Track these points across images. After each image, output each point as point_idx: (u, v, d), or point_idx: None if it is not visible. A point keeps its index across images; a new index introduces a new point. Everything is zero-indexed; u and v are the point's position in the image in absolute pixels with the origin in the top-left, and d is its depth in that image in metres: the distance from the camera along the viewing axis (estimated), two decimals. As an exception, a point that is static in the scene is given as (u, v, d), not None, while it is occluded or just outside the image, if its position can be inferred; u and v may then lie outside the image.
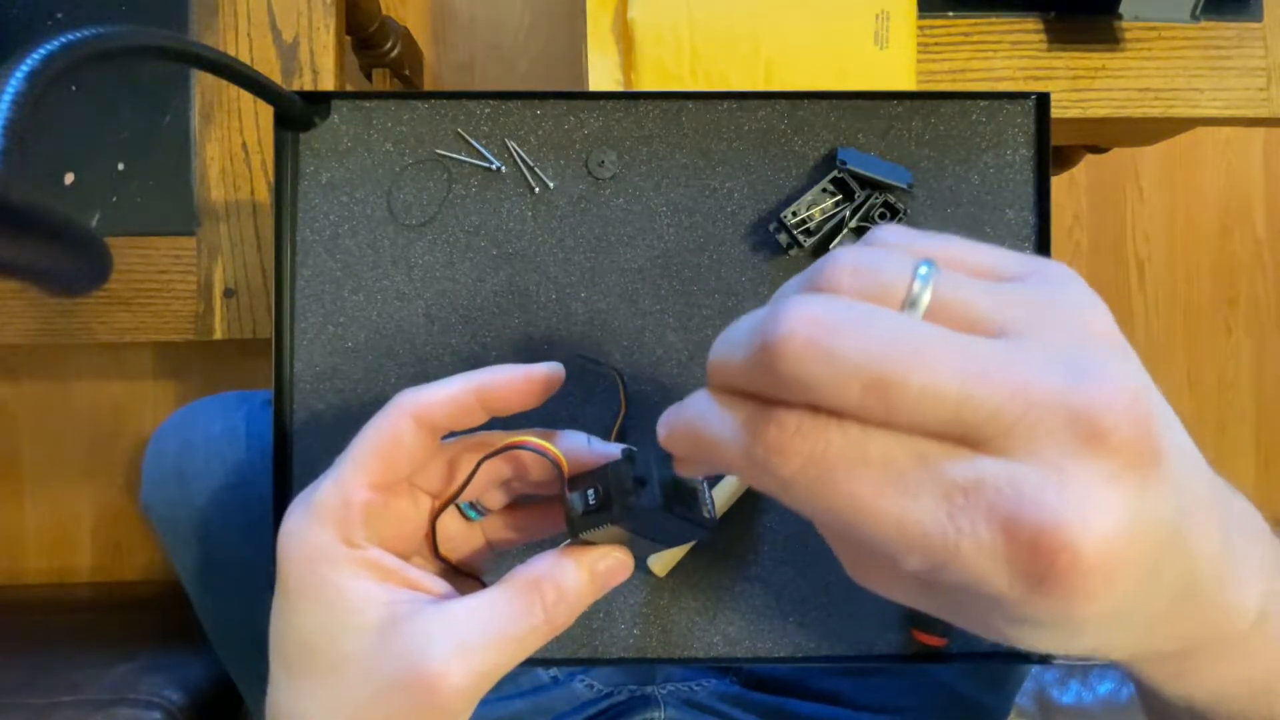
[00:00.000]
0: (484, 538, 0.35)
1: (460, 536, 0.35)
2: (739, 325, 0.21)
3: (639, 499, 0.28)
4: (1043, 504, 0.18)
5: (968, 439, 0.19)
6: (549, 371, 0.31)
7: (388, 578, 0.29)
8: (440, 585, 0.31)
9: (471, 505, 0.35)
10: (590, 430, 0.33)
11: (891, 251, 0.21)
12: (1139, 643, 0.22)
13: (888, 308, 0.20)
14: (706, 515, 0.30)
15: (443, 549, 0.34)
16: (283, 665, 0.29)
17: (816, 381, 0.19)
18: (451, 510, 0.34)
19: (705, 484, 0.30)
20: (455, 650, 0.27)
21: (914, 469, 0.19)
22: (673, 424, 0.24)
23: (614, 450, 0.31)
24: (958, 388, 0.18)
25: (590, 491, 0.29)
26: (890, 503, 0.19)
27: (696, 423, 0.22)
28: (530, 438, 0.31)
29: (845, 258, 0.21)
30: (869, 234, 0.23)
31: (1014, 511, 0.18)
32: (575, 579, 0.29)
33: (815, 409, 0.19)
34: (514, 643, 0.28)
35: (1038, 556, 0.18)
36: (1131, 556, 0.18)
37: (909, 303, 0.20)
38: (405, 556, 0.32)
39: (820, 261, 0.21)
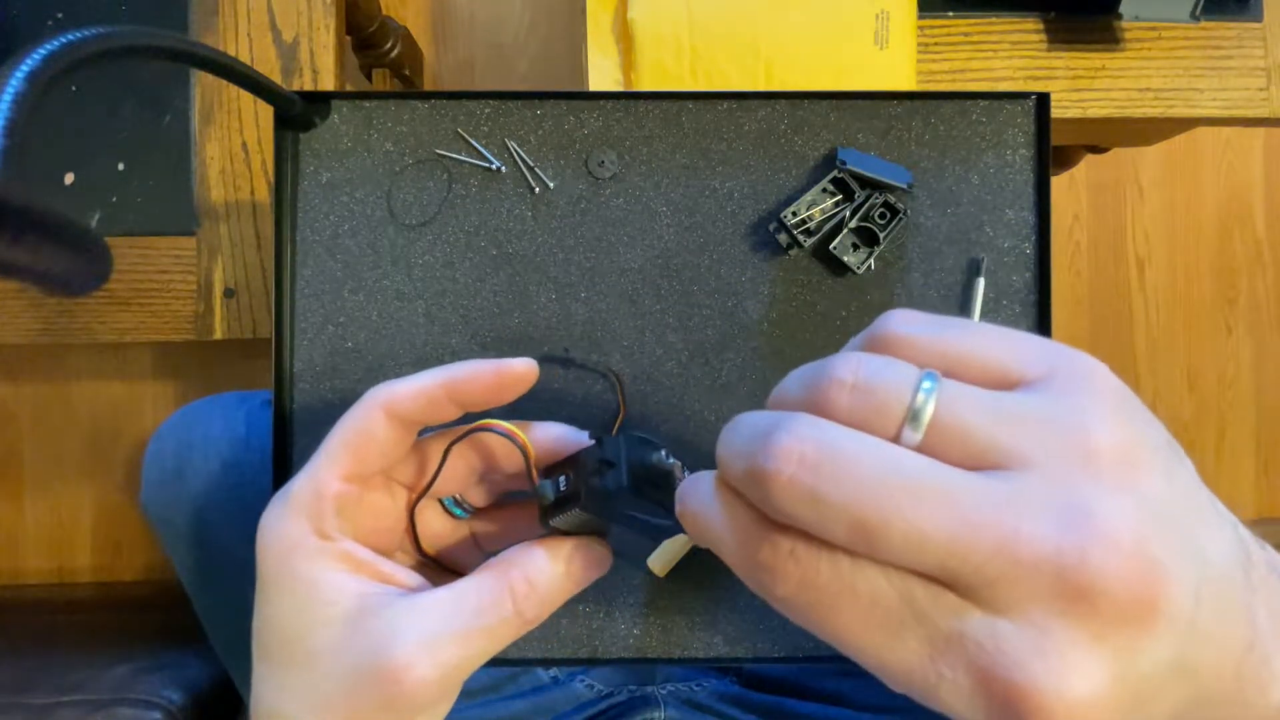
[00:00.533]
0: (471, 536, 0.35)
1: (446, 535, 0.34)
2: (742, 426, 0.21)
3: (603, 481, 0.27)
4: (1021, 665, 0.17)
5: (955, 586, 0.19)
6: (521, 367, 0.31)
7: (360, 570, 0.29)
8: (414, 579, 0.30)
9: (456, 503, 0.34)
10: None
11: (895, 361, 0.21)
12: None
13: (885, 430, 0.20)
14: None
15: (429, 547, 0.33)
16: (262, 656, 0.29)
17: (803, 520, 0.19)
18: (436, 508, 0.34)
19: (685, 469, 0.29)
20: (421, 642, 0.27)
21: (900, 608, 0.19)
22: (683, 499, 0.24)
23: (589, 438, 0.31)
24: (945, 537, 0.18)
25: (562, 479, 0.28)
26: (876, 637, 0.19)
27: (703, 513, 0.23)
28: (497, 421, 0.31)
29: (846, 371, 0.20)
30: (878, 322, 0.23)
31: (991, 669, 0.18)
32: (548, 570, 0.29)
33: (809, 535, 0.20)
34: (482, 635, 0.27)
35: (1007, 709, 0.18)
36: (1111, 713, 0.18)
37: (908, 421, 0.20)
38: (386, 551, 0.31)
39: (823, 366, 0.21)
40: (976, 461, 0.19)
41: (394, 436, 0.30)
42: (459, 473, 0.33)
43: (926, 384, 0.20)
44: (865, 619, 0.19)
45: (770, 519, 0.20)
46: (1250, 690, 0.21)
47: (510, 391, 0.31)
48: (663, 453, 0.29)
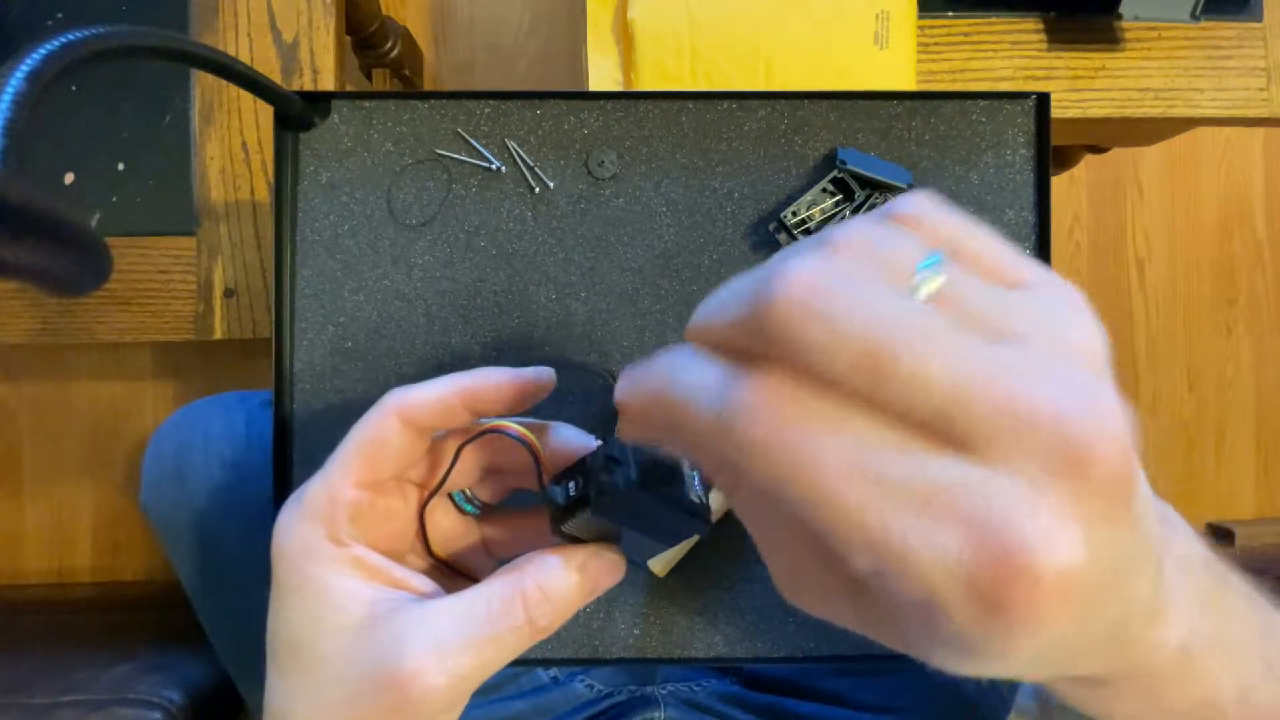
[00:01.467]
0: (480, 538, 0.35)
1: (457, 537, 0.34)
2: (730, 284, 0.20)
3: (611, 478, 0.26)
4: (1013, 521, 0.17)
5: (950, 438, 0.17)
6: (537, 377, 0.31)
7: (373, 576, 0.29)
8: (427, 584, 0.30)
9: (466, 499, 0.34)
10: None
11: (906, 231, 0.20)
12: (1055, 673, 0.22)
13: (893, 283, 0.19)
14: (696, 500, 0.28)
15: (440, 549, 0.33)
16: (273, 661, 0.29)
17: (807, 343, 0.17)
18: (446, 506, 0.34)
19: (694, 470, 0.28)
20: (430, 650, 0.26)
21: (887, 455, 0.17)
22: (636, 378, 0.22)
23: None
24: (950, 381, 0.17)
25: (572, 484, 0.28)
26: (855, 488, 0.17)
27: (665, 376, 0.21)
28: (508, 422, 0.31)
29: (858, 227, 0.20)
30: (893, 201, 0.22)
31: (984, 522, 0.17)
32: (562, 579, 0.28)
33: (797, 374, 0.18)
34: (493, 644, 0.27)
35: (998, 577, 0.17)
36: (1083, 592, 0.17)
37: (912, 288, 0.19)
38: (398, 554, 0.31)
39: (831, 228, 0.20)
40: (978, 333, 0.18)
41: (408, 443, 0.30)
42: (468, 469, 0.33)
43: (934, 261, 0.19)
44: (846, 466, 0.17)
45: (751, 362, 0.19)
46: (1155, 631, 0.22)
47: (526, 400, 0.31)
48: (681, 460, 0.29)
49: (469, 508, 0.34)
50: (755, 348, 0.19)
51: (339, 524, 0.29)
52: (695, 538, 0.30)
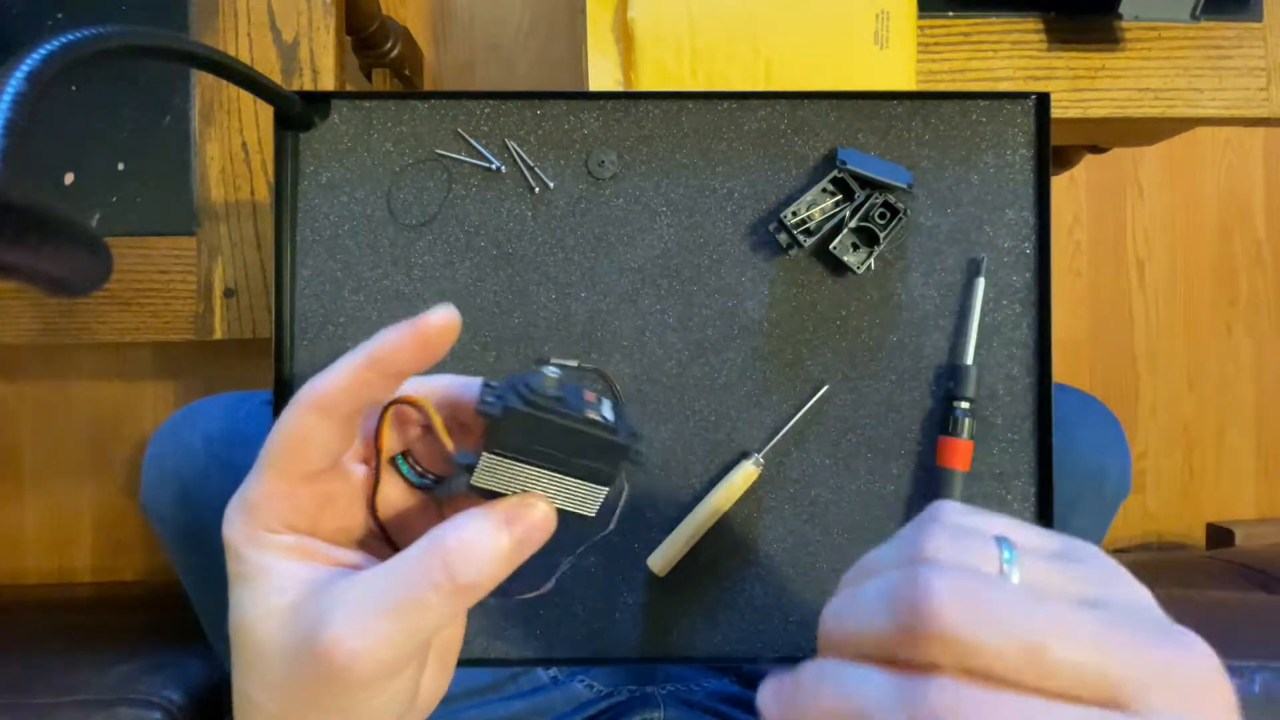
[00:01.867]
0: (440, 515, 0.34)
1: (413, 513, 0.33)
2: (858, 594, 0.22)
3: (494, 404, 0.26)
4: None
5: (1113, 700, 0.20)
6: (441, 319, 0.29)
7: (312, 557, 0.29)
8: (369, 561, 0.30)
9: (414, 471, 0.33)
10: None
11: (970, 529, 0.23)
12: None
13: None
14: (602, 419, 0.27)
15: (398, 527, 0.32)
16: (234, 649, 0.30)
17: (978, 643, 0.19)
18: (398, 480, 0.33)
19: (593, 394, 0.28)
20: (349, 617, 0.26)
21: None
22: (791, 696, 0.23)
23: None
24: (1097, 650, 0.20)
25: (479, 446, 0.28)
26: None
27: (832, 692, 0.22)
28: (404, 395, 0.30)
29: (938, 531, 0.22)
30: (930, 511, 0.24)
31: None
32: (484, 531, 0.27)
33: (972, 676, 0.20)
34: (414, 606, 0.26)
35: None
36: None
37: (1005, 576, 0.21)
38: (350, 533, 0.31)
39: (912, 532, 0.22)
40: (1079, 604, 0.21)
41: (333, 432, 0.29)
42: (396, 442, 0.32)
43: (1007, 546, 0.22)
44: None
45: (922, 669, 0.20)
46: None
47: (437, 346, 0.29)
48: (549, 369, 0.28)
49: (419, 480, 0.33)
50: (918, 656, 0.20)
51: (277, 517, 0.29)
52: (607, 492, 0.28)
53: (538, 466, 0.28)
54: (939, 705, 0.20)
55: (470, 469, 0.28)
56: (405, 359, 0.29)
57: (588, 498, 0.30)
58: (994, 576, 0.21)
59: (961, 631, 0.20)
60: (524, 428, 0.27)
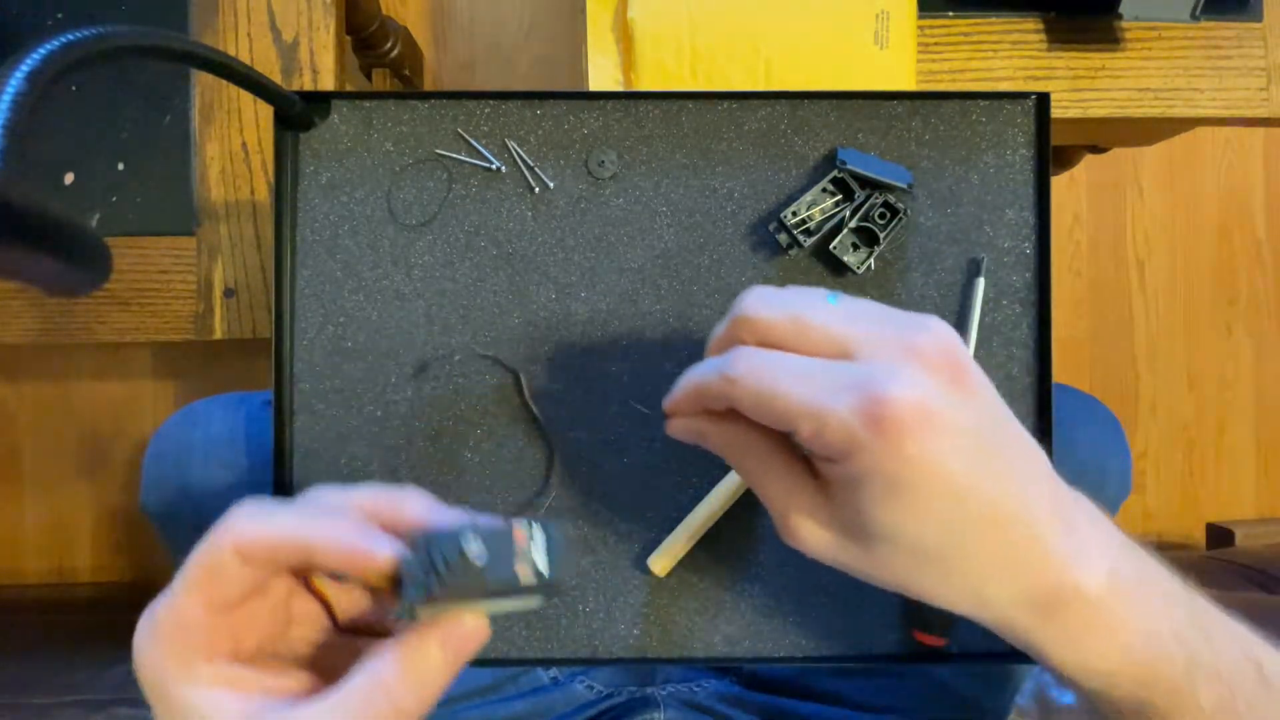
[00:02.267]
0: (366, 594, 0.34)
1: (347, 599, 0.33)
2: (717, 328, 0.34)
3: (418, 595, 0.27)
4: (880, 382, 0.28)
5: (846, 354, 0.30)
6: (381, 561, 0.28)
7: (242, 686, 0.28)
8: (301, 681, 0.30)
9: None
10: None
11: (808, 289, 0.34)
12: (983, 592, 0.31)
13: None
14: (532, 575, 0.28)
15: (346, 615, 0.32)
16: None
17: (761, 319, 0.32)
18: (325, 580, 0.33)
19: (526, 525, 0.28)
20: None
21: (814, 370, 0.30)
22: (675, 399, 0.35)
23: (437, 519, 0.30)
24: (843, 324, 0.31)
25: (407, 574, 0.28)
26: (798, 387, 0.30)
27: (689, 381, 0.34)
28: (318, 583, 0.30)
29: (773, 295, 0.33)
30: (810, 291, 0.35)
31: (865, 385, 0.29)
32: (423, 659, 0.28)
33: (760, 342, 0.32)
34: None
35: (875, 408, 0.28)
36: (940, 417, 0.28)
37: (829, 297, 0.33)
38: (273, 641, 0.31)
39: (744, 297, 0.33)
40: (854, 306, 0.32)
41: (250, 575, 0.29)
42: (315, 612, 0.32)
43: (832, 298, 0.32)
44: (792, 380, 0.30)
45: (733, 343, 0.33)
46: (1067, 556, 0.30)
47: (365, 575, 0.29)
48: (468, 530, 0.28)
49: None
50: (734, 339, 0.33)
51: (195, 646, 0.28)
52: (531, 599, 0.30)
53: (469, 603, 0.29)
54: (737, 360, 0.31)
55: (401, 608, 0.28)
56: (335, 565, 0.29)
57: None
58: (788, 289, 0.33)
59: (751, 312, 0.32)
60: (457, 588, 0.27)
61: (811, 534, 0.33)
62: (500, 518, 0.29)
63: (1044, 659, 0.33)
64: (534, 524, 0.29)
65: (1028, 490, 0.30)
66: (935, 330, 0.30)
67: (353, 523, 0.29)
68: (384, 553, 0.28)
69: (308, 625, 0.33)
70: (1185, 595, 0.33)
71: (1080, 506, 0.32)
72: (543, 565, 0.28)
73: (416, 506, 0.31)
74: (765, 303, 0.32)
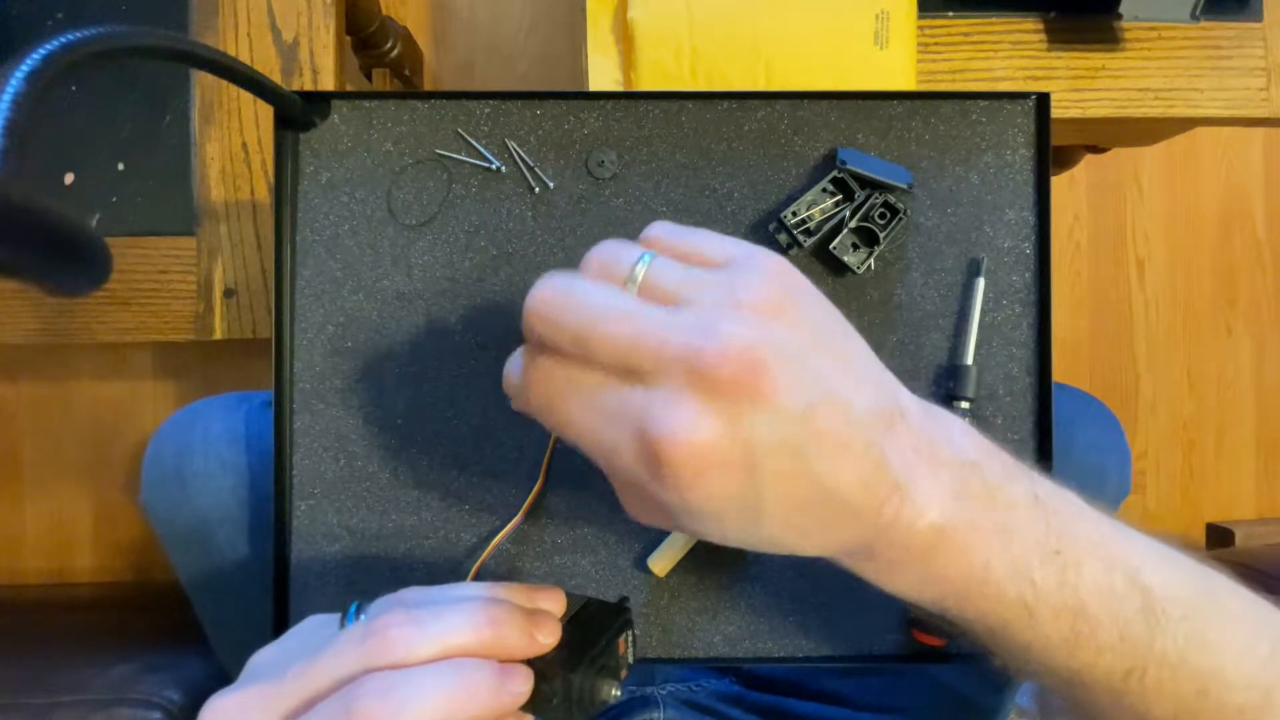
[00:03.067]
0: None
1: None
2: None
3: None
4: (658, 418, 0.26)
5: (633, 376, 0.27)
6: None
7: None
8: None
9: None
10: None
11: (634, 245, 0.31)
12: (790, 534, 0.29)
13: (614, 284, 0.29)
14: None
15: None
16: None
17: (544, 334, 0.29)
18: None
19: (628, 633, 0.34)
20: None
21: (602, 395, 0.28)
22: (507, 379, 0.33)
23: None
24: (627, 342, 0.27)
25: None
26: (589, 419, 0.28)
27: (508, 368, 0.32)
28: None
29: (600, 248, 0.31)
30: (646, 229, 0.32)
31: (641, 422, 0.26)
32: None
33: (547, 353, 0.29)
34: None
35: (650, 452, 0.26)
36: (718, 458, 0.26)
37: (629, 280, 0.29)
38: None
39: (590, 251, 0.30)
40: (662, 302, 0.28)
41: None
42: None
43: (646, 258, 0.29)
44: (582, 406, 0.28)
45: (534, 350, 0.30)
46: (890, 517, 0.28)
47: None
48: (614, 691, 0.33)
49: None
50: (530, 338, 0.30)
51: None
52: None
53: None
54: (525, 362, 0.30)
55: None
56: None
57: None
58: (585, 284, 0.29)
59: (532, 325, 0.29)
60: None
61: (639, 513, 0.32)
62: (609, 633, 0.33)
63: (867, 577, 0.32)
64: (629, 633, 0.34)
65: (840, 469, 0.27)
66: (731, 339, 0.26)
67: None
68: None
69: None
70: (1042, 527, 0.31)
71: (904, 438, 0.29)
72: (633, 657, 0.34)
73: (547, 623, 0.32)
74: (549, 307, 0.29)
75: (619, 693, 0.32)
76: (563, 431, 0.29)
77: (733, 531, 0.29)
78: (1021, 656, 0.32)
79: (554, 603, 0.34)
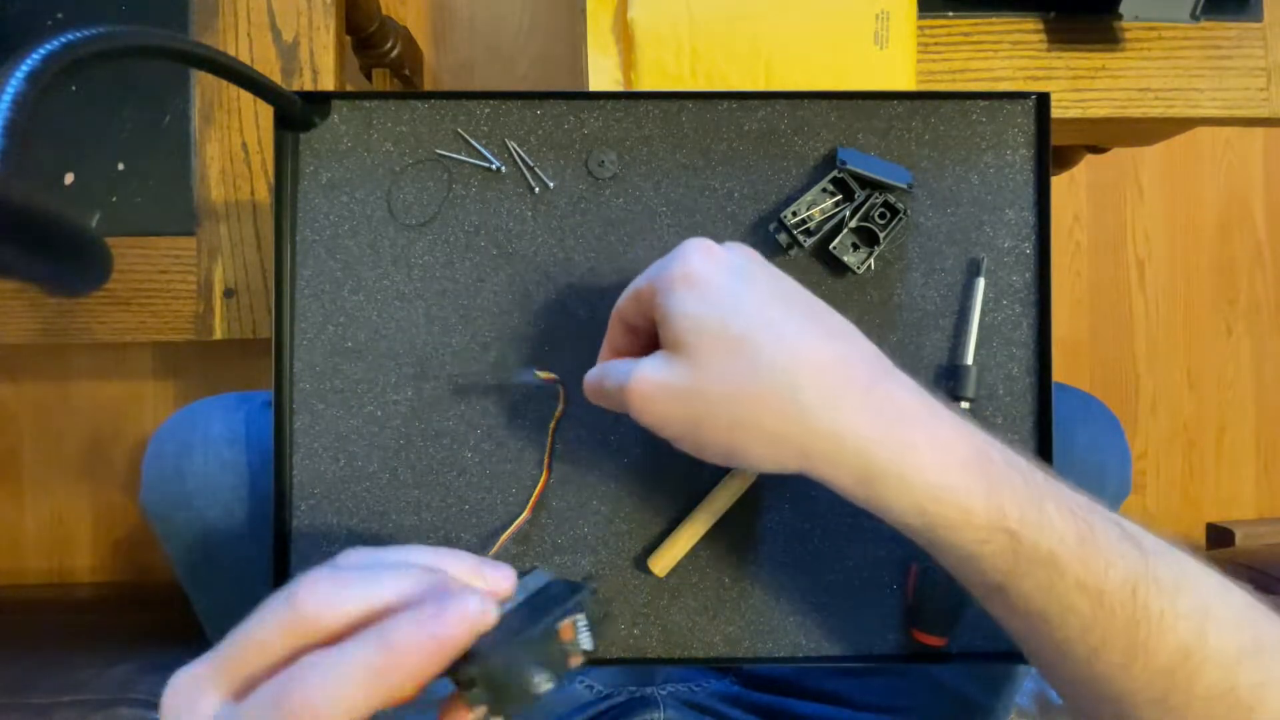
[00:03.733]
0: None
1: None
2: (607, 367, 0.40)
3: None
4: (629, 372, 0.36)
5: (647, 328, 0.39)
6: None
7: None
8: None
9: None
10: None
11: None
12: (759, 449, 0.35)
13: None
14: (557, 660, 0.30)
15: None
16: None
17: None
18: None
19: (571, 615, 0.30)
20: None
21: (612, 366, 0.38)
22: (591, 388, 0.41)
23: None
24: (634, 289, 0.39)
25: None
26: (610, 377, 0.38)
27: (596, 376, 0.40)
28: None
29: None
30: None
31: (620, 379, 0.36)
32: None
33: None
34: None
35: (620, 392, 0.36)
36: (658, 390, 0.35)
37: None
38: None
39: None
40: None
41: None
42: None
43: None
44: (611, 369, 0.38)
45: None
46: (898, 470, 0.33)
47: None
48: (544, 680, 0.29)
49: None
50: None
51: None
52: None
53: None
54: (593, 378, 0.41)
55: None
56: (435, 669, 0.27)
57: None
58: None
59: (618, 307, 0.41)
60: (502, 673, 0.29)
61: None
62: (544, 615, 0.30)
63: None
64: (578, 618, 0.31)
65: (799, 391, 0.33)
66: (687, 255, 0.36)
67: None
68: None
69: None
70: (1006, 480, 0.34)
71: (883, 385, 0.34)
72: (589, 644, 0.31)
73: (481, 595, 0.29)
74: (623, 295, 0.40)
75: (550, 684, 0.29)
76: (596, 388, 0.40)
77: (703, 444, 0.36)
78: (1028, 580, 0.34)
79: (504, 580, 0.32)
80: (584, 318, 0.46)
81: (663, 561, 0.45)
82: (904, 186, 0.45)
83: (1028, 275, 0.46)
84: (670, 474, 0.46)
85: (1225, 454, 1.37)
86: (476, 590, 0.29)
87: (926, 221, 0.46)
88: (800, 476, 0.35)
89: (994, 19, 0.60)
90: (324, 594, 0.27)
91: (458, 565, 0.31)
